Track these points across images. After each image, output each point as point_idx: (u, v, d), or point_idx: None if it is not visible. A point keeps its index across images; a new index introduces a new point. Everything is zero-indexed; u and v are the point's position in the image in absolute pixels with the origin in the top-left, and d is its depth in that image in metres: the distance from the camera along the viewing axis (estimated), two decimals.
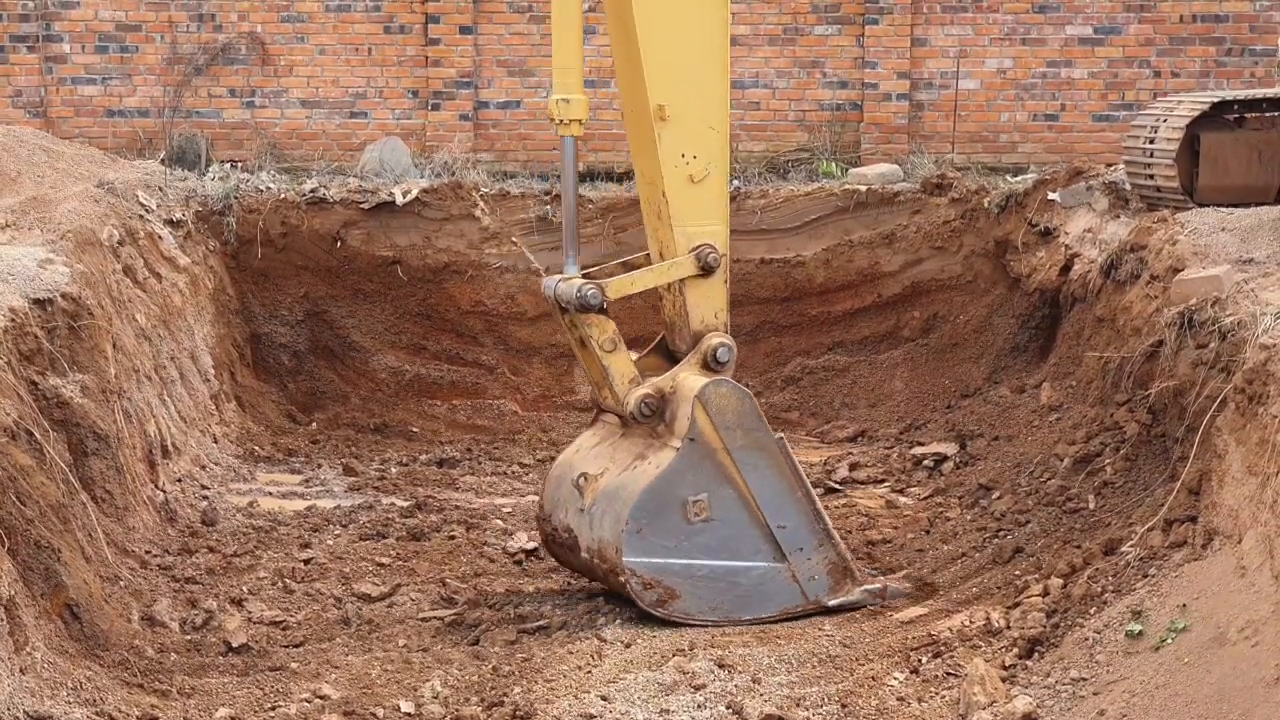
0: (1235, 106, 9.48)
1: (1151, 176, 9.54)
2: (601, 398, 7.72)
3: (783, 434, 7.69)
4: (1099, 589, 6.66)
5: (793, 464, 7.49)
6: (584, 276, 7.43)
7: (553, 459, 10.65)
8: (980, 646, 6.65)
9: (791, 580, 7.43)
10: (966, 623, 6.93)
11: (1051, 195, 11.18)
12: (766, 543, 7.39)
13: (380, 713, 6.35)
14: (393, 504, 9.50)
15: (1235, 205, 9.05)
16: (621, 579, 7.22)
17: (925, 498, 9.37)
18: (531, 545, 8.59)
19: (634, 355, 7.64)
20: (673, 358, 7.70)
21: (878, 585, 7.61)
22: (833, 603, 7.47)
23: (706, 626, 7.22)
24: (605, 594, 7.75)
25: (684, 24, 7.36)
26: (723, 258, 7.53)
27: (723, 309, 7.62)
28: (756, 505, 7.36)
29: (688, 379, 7.43)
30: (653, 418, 7.44)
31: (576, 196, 7.64)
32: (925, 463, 10.09)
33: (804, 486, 7.50)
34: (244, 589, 7.85)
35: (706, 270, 7.49)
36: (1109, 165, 11.72)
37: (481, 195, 12.23)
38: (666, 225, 7.50)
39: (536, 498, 8.42)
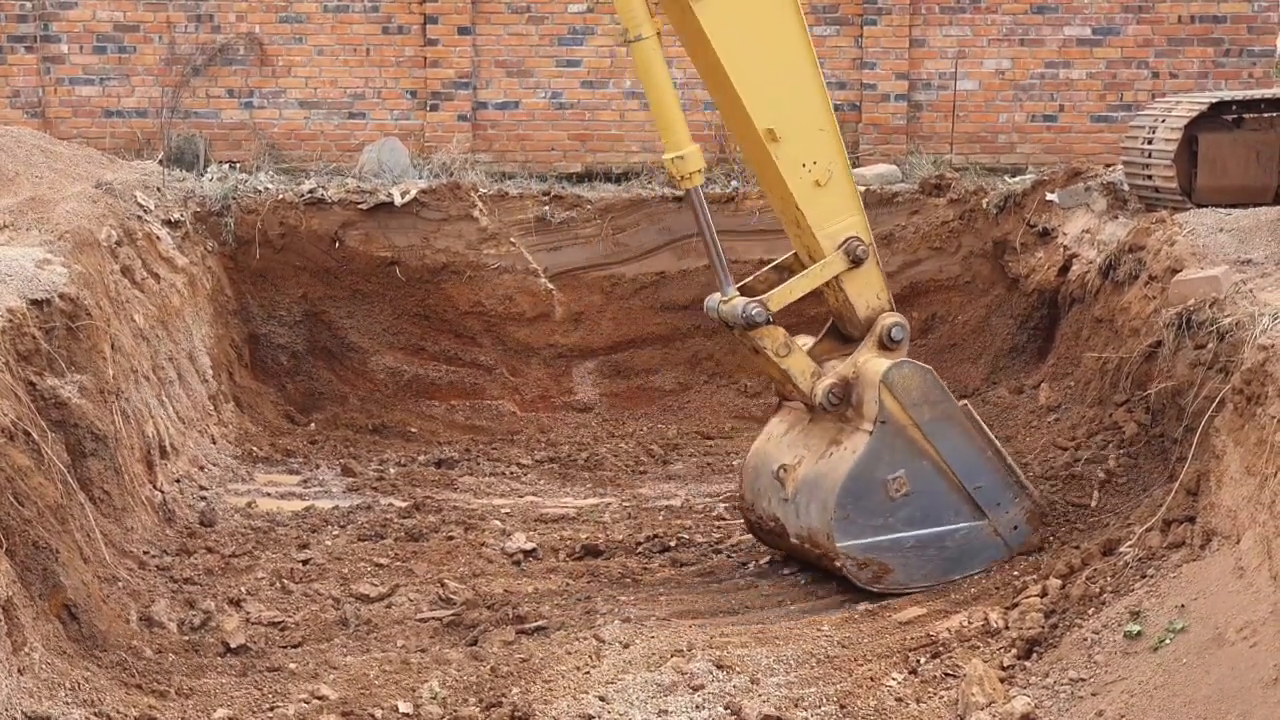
0: (1233, 107, 9.48)
1: (1150, 177, 9.54)
2: (786, 391, 8.07)
3: (966, 400, 7.98)
4: (1097, 589, 6.67)
5: (979, 426, 7.84)
6: (740, 290, 7.79)
7: (551, 459, 10.75)
8: (979, 647, 6.65)
9: (994, 535, 7.78)
10: (965, 623, 6.93)
11: (1050, 196, 11.18)
12: (966, 504, 7.75)
13: (378, 713, 6.35)
14: (391, 504, 9.49)
15: (1233, 206, 9.05)
16: (837, 564, 7.61)
17: None
18: (530, 546, 8.60)
19: (808, 340, 8.00)
20: (846, 339, 8.04)
21: None
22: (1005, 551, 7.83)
23: (920, 592, 7.58)
24: (602, 594, 7.77)
25: (765, 44, 7.59)
26: (869, 245, 7.84)
27: (883, 289, 7.94)
28: (951, 471, 7.71)
29: (869, 363, 7.76)
30: (841, 405, 7.76)
31: (716, 234, 7.89)
32: None
33: (993, 445, 7.84)
34: (242, 589, 7.85)
35: (857, 262, 7.81)
36: (1107, 166, 11.72)
37: (480, 196, 12.23)
38: (808, 232, 7.81)
39: (735, 488, 8.86)
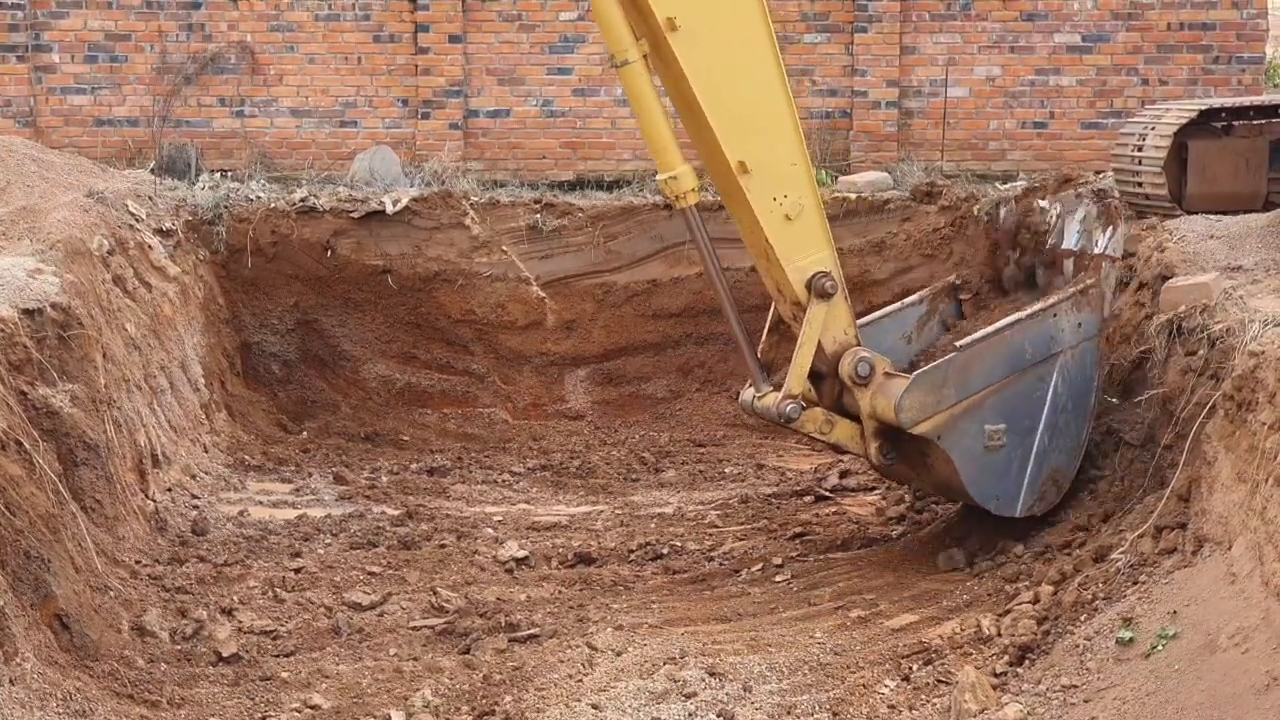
0: (1223, 114, 9.51)
1: (1140, 184, 9.57)
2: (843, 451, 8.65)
3: (956, 344, 7.96)
4: (1090, 596, 6.68)
5: (980, 339, 7.83)
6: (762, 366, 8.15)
7: (543, 467, 10.75)
8: (971, 654, 6.65)
9: (1076, 354, 7.93)
10: (957, 630, 6.94)
11: (1041, 203, 11.17)
12: (1038, 368, 7.86)
13: None
14: (383, 513, 9.49)
15: (1223, 212, 9.07)
16: (1034, 518, 7.91)
17: (915, 504, 9.36)
18: (522, 553, 8.60)
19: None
20: (821, 375, 8.11)
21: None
22: (1108, 314, 8.18)
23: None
24: (595, 602, 7.77)
25: (740, 77, 7.64)
26: (837, 281, 7.89)
27: (850, 325, 8.01)
28: (1008, 377, 7.80)
29: (877, 407, 7.86)
30: (896, 454, 8.00)
31: (732, 296, 8.27)
32: None
33: (1001, 328, 7.84)
34: (234, 598, 7.84)
35: (824, 297, 7.86)
36: (1098, 173, 11.73)
37: (471, 204, 12.23)
38: (776, 265, 7.87)
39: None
